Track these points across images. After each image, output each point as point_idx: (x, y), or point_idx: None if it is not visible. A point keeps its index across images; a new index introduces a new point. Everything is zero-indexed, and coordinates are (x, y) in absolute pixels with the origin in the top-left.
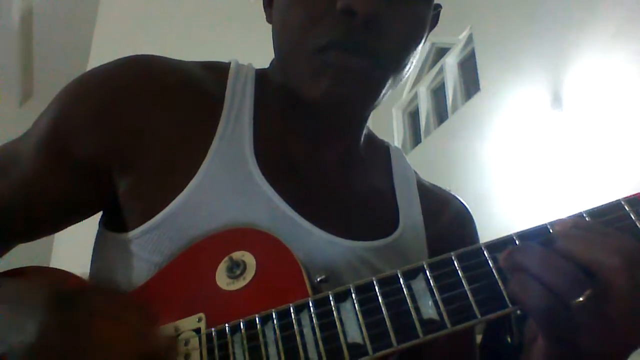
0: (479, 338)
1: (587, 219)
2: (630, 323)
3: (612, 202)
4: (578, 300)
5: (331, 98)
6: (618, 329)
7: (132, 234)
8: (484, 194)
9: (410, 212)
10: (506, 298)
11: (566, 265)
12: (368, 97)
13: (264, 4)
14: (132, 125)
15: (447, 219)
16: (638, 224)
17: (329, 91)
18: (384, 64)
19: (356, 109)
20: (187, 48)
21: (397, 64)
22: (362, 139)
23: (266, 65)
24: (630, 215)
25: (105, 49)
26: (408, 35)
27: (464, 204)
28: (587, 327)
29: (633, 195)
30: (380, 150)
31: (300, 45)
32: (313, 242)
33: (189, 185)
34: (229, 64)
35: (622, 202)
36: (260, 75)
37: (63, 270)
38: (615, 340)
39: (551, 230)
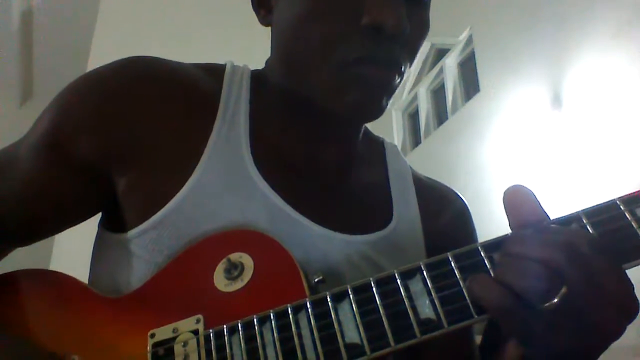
0: (479, 339)
1: (583, 220)
2: (602, 313)
3: (608, 201)
4: (550, 303)
5: (360, 110)
6: (592, 323)
7: (131, 233)
8: (484, 194)
9: (405, 205)
10: None
11: (535, 268)
12: (387, 103)
13: (253, 6)
14: (129, 126)
15: (445, 212)
16: (633, 224)
17: (358, 104)
18: (404, 71)
19: (377, 116)
20: (187, 48)
21: (409, 67)
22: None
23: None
24: (625, 215)
25: (105, 49)
26: (420, 40)
27: (461, 197)
28: (562, 327)
29: (631, 194)
30: (375, 146)
31: (323, 59)
32: (311, 239)
33: (186, 185)
34: (225, 65)
35: (618, 202)
36: (256, 76)
37: (63, 274)
38: (590, 334)
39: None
